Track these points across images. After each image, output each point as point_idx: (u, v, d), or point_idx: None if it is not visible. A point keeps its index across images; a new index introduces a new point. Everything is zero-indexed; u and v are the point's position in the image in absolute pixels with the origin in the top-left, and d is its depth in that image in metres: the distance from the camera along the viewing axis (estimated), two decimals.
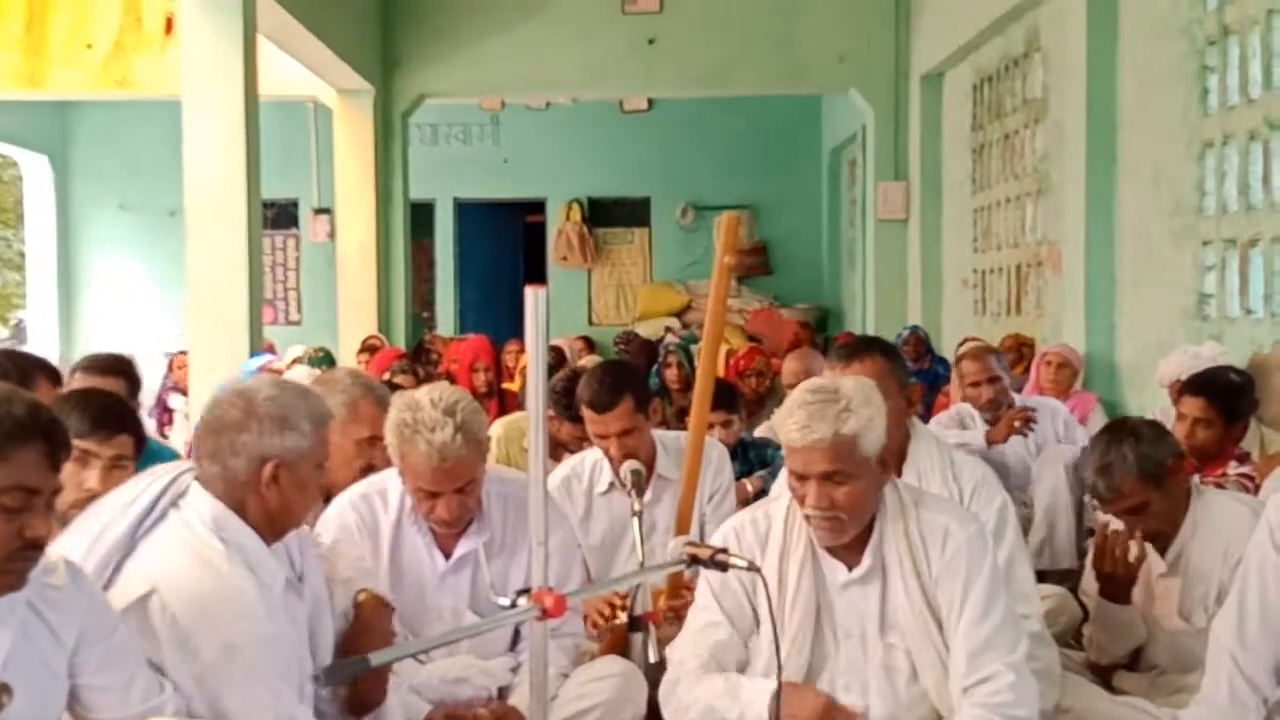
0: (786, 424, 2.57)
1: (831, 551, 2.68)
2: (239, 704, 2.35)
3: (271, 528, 2.49)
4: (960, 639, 2.59)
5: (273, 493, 2.45)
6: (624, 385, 3.85)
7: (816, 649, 2.69)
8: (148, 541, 2.43)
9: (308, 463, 2.48)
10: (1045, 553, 5.11)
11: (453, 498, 2.96)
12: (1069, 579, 4.67)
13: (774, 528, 2.74)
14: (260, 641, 2.37)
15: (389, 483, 3.14)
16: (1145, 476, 3.21)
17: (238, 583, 2.38)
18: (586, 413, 3.88)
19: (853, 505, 2.58)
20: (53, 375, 4.04)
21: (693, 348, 7.92)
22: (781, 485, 2.87)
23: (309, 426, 2.47)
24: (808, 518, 2.62)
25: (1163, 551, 3.32)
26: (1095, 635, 3.42)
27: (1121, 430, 3.32)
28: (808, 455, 2.55)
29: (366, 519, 3.11)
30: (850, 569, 2.67)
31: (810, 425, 2.53)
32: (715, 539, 2.79)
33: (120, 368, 4.79)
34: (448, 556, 3.13)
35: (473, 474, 2.97)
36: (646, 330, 13.16)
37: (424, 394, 2.97)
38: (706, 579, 2.77)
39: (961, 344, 7.40)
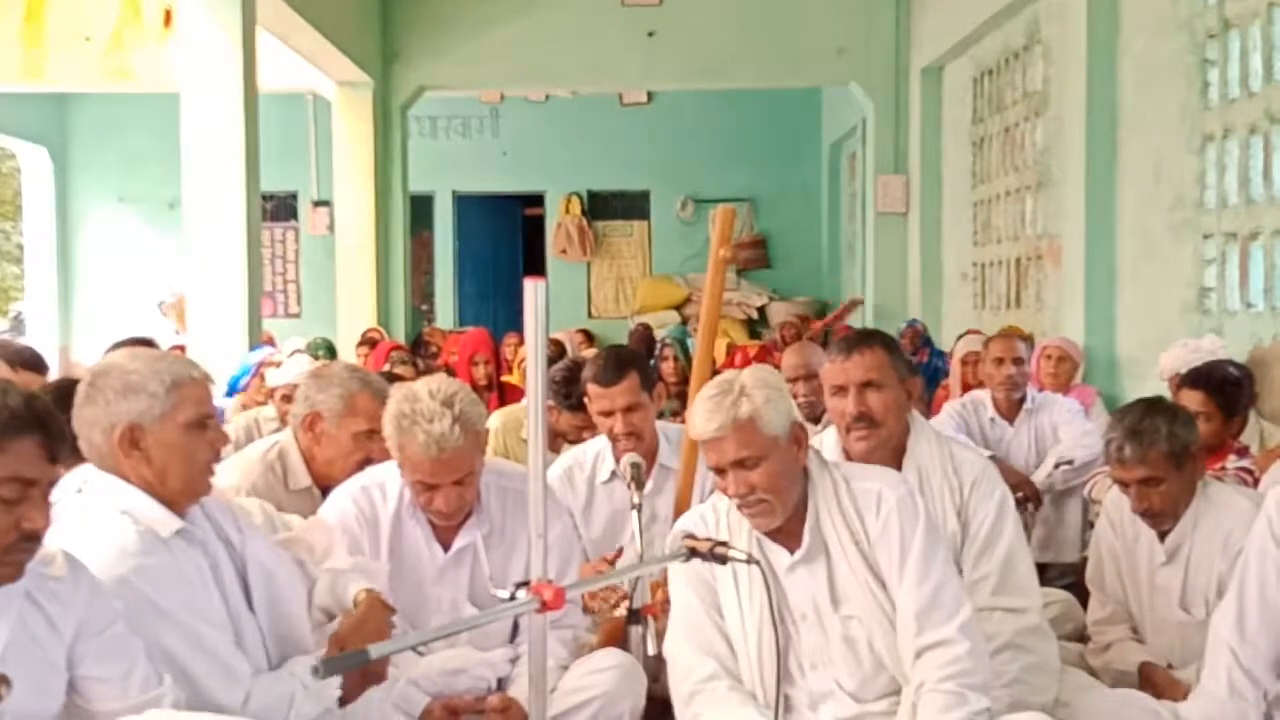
0: (693, 422, 2.66)
1: (772, 537, 2.72)
2: (139, 631, 2.33)
3: (163, 494, 2.46)
4: (906, 598, 2.62)
5: (138, 458, 2.44)
6: (629, 362, 3.92)
7: (780, 633, 2.70)
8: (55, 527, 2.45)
9: (169, 424, 2.45)
10: (1050, 546, 5.11)
11: (451, 489, 2.96)
12: (1072, 573, 4.68)
13: (722, 520, 2.77)
14: (144, 571, 2.36)
15: (388, 475, 3.14)
16: (1171, 454, 3.24)
17: (116, 530, 2.39)
18: (592, 389, 3.89)
19: (771, 485, 2.62)
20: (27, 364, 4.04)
21: (689, 342, 7.93)
22: None
23: (158, 388, 2.44)
24: (739, 508, 2.68)
25: (1162, 539, 3.33)
26: (1099, 664, 3.43)
27: (1159, 405, 3.38)
28: (716, 446, 2.62)
29: (366, 511, 3.11)
30: (792, 551, 2.70)
31: (709, 418, 2.61)
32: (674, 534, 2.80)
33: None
34: (446, 549, 3.13)
35: (471, 465, 2.97)
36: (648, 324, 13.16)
37: (422, 385, 2.97)
38: (678, 571, 2.78)
39: (960, 338, 7.40)
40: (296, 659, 2.60)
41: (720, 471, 2.65)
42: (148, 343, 4.91)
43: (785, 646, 2.71)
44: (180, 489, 2.48)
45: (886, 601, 2.65)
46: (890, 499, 2.67)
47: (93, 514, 2.41)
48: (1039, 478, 5.17)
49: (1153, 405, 3.37)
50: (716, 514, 2.80)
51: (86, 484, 2.48)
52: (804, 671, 2.72)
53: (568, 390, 4.66)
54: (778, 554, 2.72)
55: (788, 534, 2.70)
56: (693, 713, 2.70)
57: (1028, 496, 4.97)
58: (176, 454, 2.46)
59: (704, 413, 2.63)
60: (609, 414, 3.86)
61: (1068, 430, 5.27)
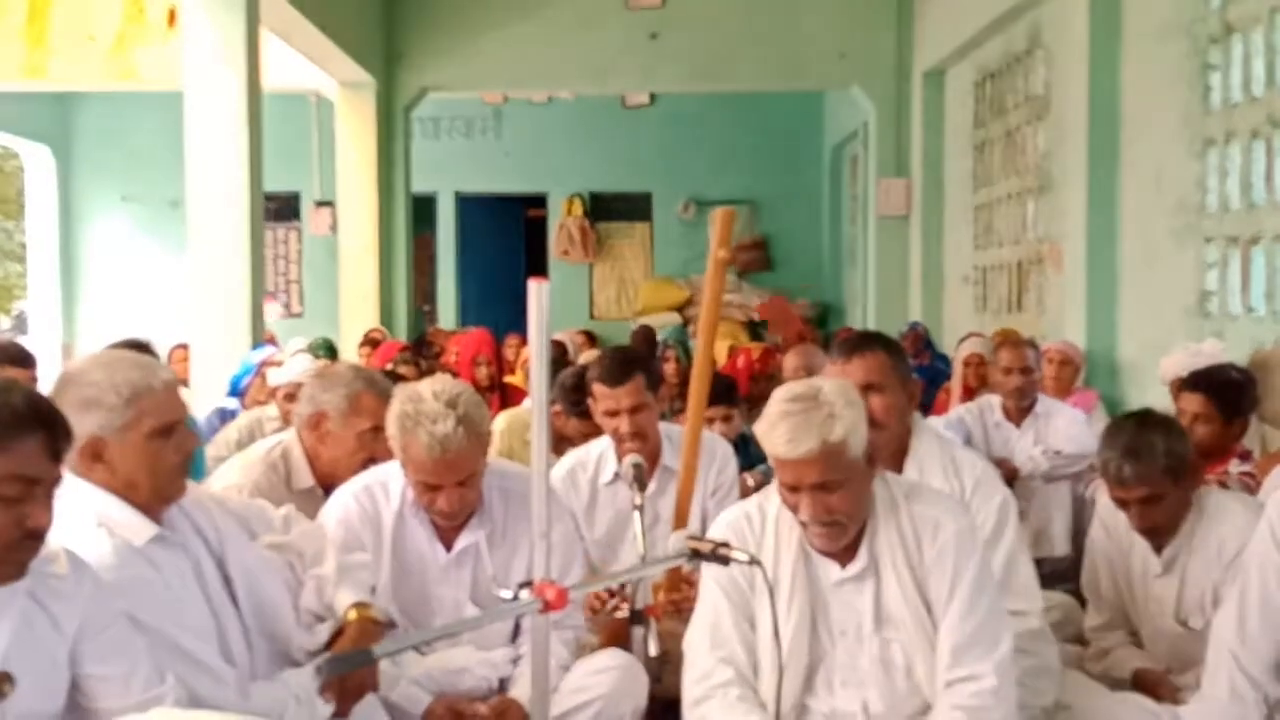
0: (772, 437, 2.50)
1: (822, 550, 2.66)
2: (119, 642, 2.33)
3: (135, 500, 2.46)
4: (946, 631, 2.58)
5: (102, 470, 2.43)
6: (636, 363, 3.92)
7: (813, 647, 2.67)
8: None
9: (133, 433, 2.44)
10: (1038, 542, 5.15)
11: (454, 490, 2.97)
12: (1062, 566, 4.72)
13: (768, 525, 2.71)
14: (121, 584, 2.36)
15: (390, 475, 3.15)
16: (1170, 470, 3.20)
17: (90, 542, 2.38)
18: (598, 389, 3.88)
19: (850, 509, 2.56)
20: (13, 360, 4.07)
21: (690, 343, 7.92)
22: None
23: (116, 400, 2.42)
24: (803, 525, 2.59)
25: (1159, 550, 3.32)
26: (1098, 671, 3.42)
27: (1150, 420, 3.32)
28: (799, 468, 2.49)
29: (368, 510, 3.11)
30: (842, 566, 2.65)
31: (797, 437, 2.46)
32: (713, 533, 2.76)
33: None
34: (449, 549, 3.13)
35: (474, 466, 2.97)
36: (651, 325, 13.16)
37: (426, 386, 2.97)
38: (711, 571, 2.74)
39: (963, 340, 7.41)
40: (291, 671, 2.61)
41: (794, 490, 2.54)
42: (143, 345, 4.91)
43: (817, 661, 2.67)
44: (150, 495, 2.48)
45: (931, 627, 2.61)
46: (949, 528, 2.62)
47: (68, 523, 2.38)
48: (1022, 459, 5.29)
49: (1145, 421, 3.32)
50: (763, 516, 2.73)
51: (60, 488, 2.48)
52: (832, 689, 2.67)
53: (577, 397, 4.64)
54: (826, 567, 2.67)
55: (841, 549, 2.65)
56: (700, 714, 2.67)
57: (1007, 476, 5.03)
58: (141, 464, 2.45)
59: (788, 430, 2.47)
60: (615, 414, 3.86)
61: (1065, 433, 5.35)
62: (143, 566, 2.43)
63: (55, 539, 2.33)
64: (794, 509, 2.57)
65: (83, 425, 2.40)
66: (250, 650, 2.60)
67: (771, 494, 2.73)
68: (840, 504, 2.53)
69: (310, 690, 2.55)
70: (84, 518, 2.41)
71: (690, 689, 2.71)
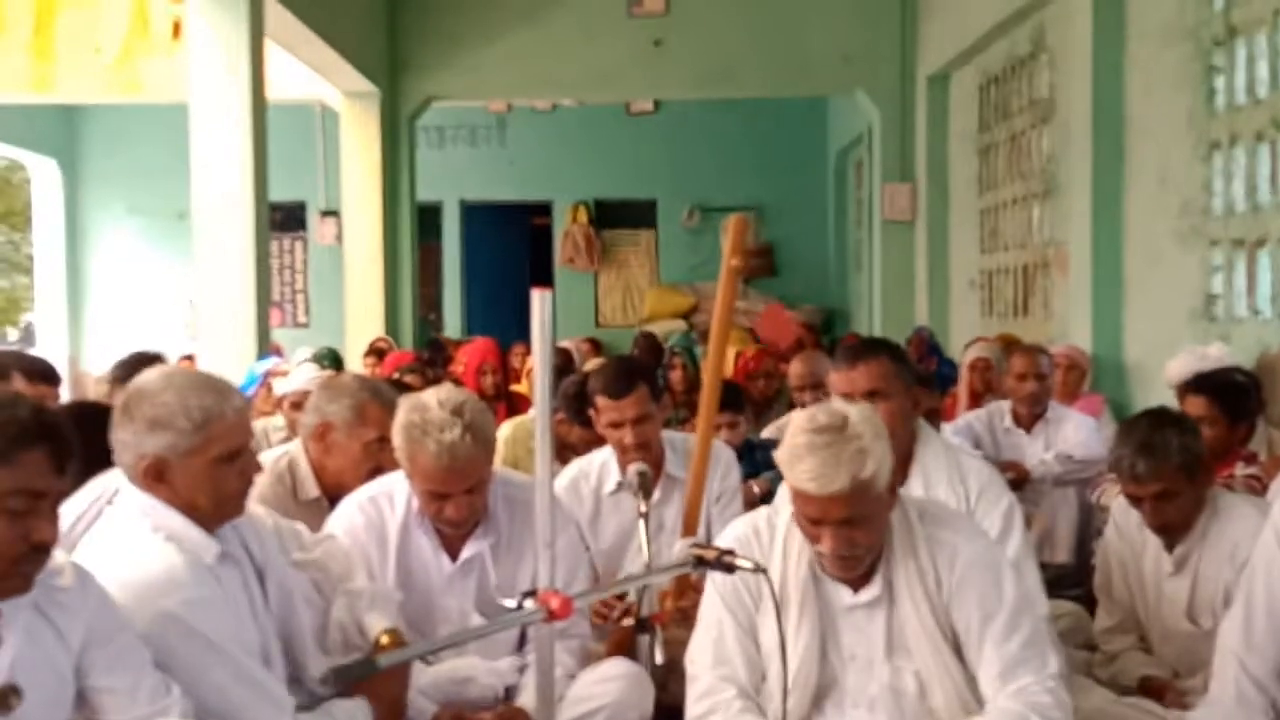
0: (796, 470, 2.41)
1: (836, 576, 2.62)
2: (187, 665, 2.34)
3: (193, 516, 2.46)
4: (990, 654, 2.52)
5: (164, 489, 2.44)
6: (638, 374, 3.91)
7: (823, 670, 2.64)
8: (86, 538, 2.47)
9: (199, 457, 2.43)
10: (1045, 547, 5.16)
11: (462, 498, 2.97)
12: (1064, 573, 4.72)
13: (776, 542, 2.67)
14: (193, 604, 2.37)
15: (396, 485, 3.15)
16: (1184, 467, 3.22)
17: (163, 557, 2.39)
18: (601, 401, 3.88)
19: (872, 541, 2.53)
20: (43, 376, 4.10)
21: (697, 350, 7.90)
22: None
23: (186, 424, 2.41)
24: (827, 558, 2.54)
25: (1170, 548, 3.32)
26: (1107, 676, 3.42)
27: (1165, 417, 3.35)
28: (825, 504, 2.41)
29: (374, 521, 3.12)
30: (854, 591, 2.61)
31: (826, 474, 2.37)
32: (720, 543, 2.75)
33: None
34: (454, 559, 3.14)
35: (481, 474, 2.98)
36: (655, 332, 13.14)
37: (431, 395, 2.98)
38: (715, 586, 2.72)
39: (969, 345, 7.40)
40: (335, 702, 2.61)
41: (816, 523, 2.46)
42: (157, 358, 4.93)
43: (826, 684, 2.65)
44: (210, 514, 2.48)
45: (951, 656, 2.57)
46: (966, 553, 2.57)
47: (133, 536, 2.41)
48: (1034, 463, 5.31)
49: (1159, 418, 3.34)
50: (772, 531, 2.69)
51: (119, 495, 2.49)
52: (843, 710, 2.65)
53: (579, 405, 4.64)
54: (838, 591, 2.63)
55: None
56: None
57: (1017, 478, 5.04)
58: (204, 487, 2.45)
59: (817, 466, 2.37)
60: (619, 425, 3.85)
61: (1075, 439, 5.35)
62: (214, 584, 2.44)
63: (121, 554, 2.37)
64: (814, 540, 2.51)
65: (149, 444, 2.41)
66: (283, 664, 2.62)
67: (781, 509, 2.70)
68: (864, 538, 2.49)
69: (353, 713, 2.56)
70: (149, 531, 2.42)
71: (693, 707, 2.69)
